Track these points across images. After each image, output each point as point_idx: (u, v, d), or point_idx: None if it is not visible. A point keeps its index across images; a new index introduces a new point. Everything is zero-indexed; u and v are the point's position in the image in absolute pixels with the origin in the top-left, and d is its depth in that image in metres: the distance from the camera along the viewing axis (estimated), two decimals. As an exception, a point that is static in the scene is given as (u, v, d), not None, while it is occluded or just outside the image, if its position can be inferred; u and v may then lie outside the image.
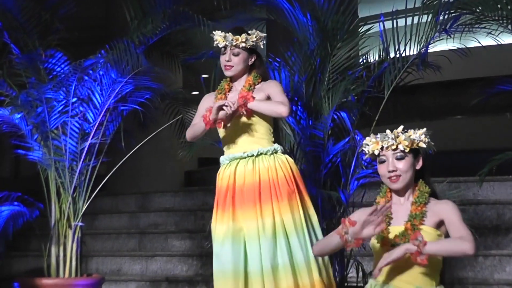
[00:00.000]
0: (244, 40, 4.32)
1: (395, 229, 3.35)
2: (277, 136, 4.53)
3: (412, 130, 3.45)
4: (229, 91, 4.41)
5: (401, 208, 3.41)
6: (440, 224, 3.36)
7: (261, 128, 4.32)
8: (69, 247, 5.81)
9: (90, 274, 6.33)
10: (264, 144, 4.32)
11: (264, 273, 4.10)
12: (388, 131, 3.44)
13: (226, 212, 4.23)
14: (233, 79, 4.44)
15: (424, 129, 3.47)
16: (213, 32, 4.41)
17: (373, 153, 3.45)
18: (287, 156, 4.39)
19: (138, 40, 6.04)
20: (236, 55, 4.34)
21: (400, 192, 3.44)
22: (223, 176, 4.32)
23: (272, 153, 4.31)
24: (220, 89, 4.43)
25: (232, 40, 4.31)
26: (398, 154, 3.40)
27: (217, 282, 4.20)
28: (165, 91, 6.35)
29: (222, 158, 4.38)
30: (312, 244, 4.18)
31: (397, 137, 3.41)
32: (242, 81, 4.41)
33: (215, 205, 4.33)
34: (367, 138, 3.49)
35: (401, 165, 3.40)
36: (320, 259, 4.21)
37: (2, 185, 6.48)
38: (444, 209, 3.36)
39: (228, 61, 4.34)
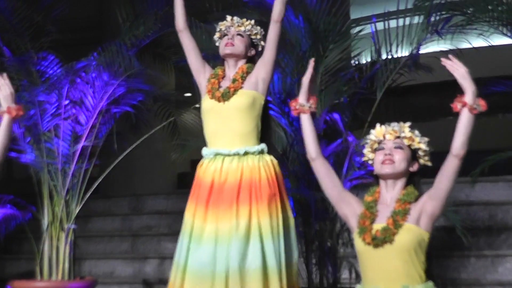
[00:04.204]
0: (251, 24, 4.34)
1: (377, 226, 3.37)
2: (270, 137, 4.50)
3: (416, 131, 3.51)
4: (222, 78, 4.37)
5: (386, 208, 3.43)
6: (419, 218, 3.37)
7: (249, 125, 4.22)
8: (62, 249, 5.80)
9: (83, 277, 6.33)
10: (251, 143, 4.21)
11: (230, 274, 4.00)
12: (394, 123, 3.50)
13: (211, 211, 4.14)
14: (227, 65, 4.37)
15: (427, 139, 3.52)
16: (217, 24, 4.41)
17: (373, 143, 3.49)
18: (272, 157, 4.28)
19: (130, 42, 6.04)
20: (240, 36, 4.32)
21: (388, 188, 3.45)
22: (207, 171, 4.22)
23: (258, 153, 4.22)
24: (213, 73, 4.35)
25: (239, 20, 4.33)
26: (397, 143, 3.45)
27: (194, 280, 4.07)
28: (158, 93, 6.35)
29: (206, 151, 4.26)
30: (286, 249, 4.12)
31: (402, 127, 3.46)
32: (236, 69, 4.34)
33: (193, 197, 4.24)
34: (371, 130, 3.54)
35: (398, 154, 3.43)
36: (293, 266, 4.17)
37: (-6, 187, 6.48)
38: (422, 198, 3.40)
39: (231, 39, 4.31)
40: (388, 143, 3.47)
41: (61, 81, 5.73)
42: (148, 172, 9.84)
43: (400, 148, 3.45)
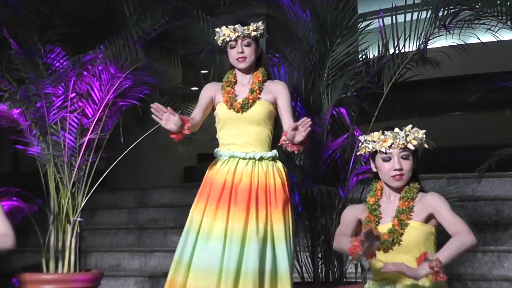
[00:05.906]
0: (255, 29, 4.33)
1: (384, 227, 3.35)
2: (277, 132, 4.51)
3: (416, 128, 3.44)
4: (235, 84, 4.40)
5: (390, 206, 3.42)
6: (429, 218, 3.36)
7: (264, 133, 4.31)
8: (68, 242, 5.81)
9: (89, 270, 6.33)
10: (264, 149, 4.30)
11: (248, 274, 4.04)
12: (397, 129, 3.42)
13: (221, 209, 4.17)
14: (239, 72, 4.41)
15: (424, 130, 3.47)
16: (217, 29, 4.39)
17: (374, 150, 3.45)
18: (282, 164, 4.37)
19: (137, 36, 6.03)
20: (248, 45, 4.32)
21: (395, 190, 3.44)
22: (220, 172, 4.26)
23: (272, 159, 4.30)
24: (227, 81, 4.40)
25: (243, 30, 4.30)
26: (405, 153, 3.40)
27: (199, 277, 4.09)
28: (164, 87, 6.34)
29: (220, 152, 4.32)
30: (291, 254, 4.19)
31: (407, 136, 3.41)
32: (248, 76, 4.39)
33: (203, 196, 4.26)
34: (371, 134, 3.47)
35: (406, 164, 3.40)
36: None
37: (1, 180, 6.48)
38: (431, 201, 3.36)
39: (241, 52, 4.31)
40: (394, 152, 3.42)
41: (67, 74, 5.73)
42: (155, 166, 9.85)
43: (407, 158, 3.42)
